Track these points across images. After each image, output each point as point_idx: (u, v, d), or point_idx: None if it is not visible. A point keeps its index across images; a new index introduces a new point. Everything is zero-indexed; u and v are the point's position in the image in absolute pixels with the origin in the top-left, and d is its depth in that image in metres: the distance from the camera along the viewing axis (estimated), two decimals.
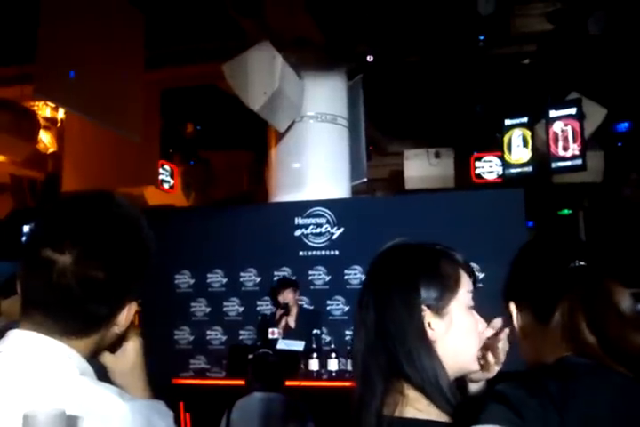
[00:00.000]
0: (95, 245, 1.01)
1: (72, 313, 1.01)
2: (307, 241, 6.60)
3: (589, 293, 1.14)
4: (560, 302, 1.16)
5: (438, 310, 1.17)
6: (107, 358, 1.15)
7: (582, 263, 1.18)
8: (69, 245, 0.99)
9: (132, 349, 1.18)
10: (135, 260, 1.07)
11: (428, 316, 1.16)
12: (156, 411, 1.02)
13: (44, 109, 10.54)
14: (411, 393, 1.13)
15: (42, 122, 10.54)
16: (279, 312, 5.85)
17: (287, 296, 5.88)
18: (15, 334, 1.01)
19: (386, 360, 1.15)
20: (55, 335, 1.00)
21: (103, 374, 1.09)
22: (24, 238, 1.04)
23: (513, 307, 1.24)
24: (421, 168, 11.77)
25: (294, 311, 5.90)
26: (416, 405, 1.12)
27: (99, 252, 1.01)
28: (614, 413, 0.90)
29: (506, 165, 9.38)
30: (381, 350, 1.16)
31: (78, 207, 1.06)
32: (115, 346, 1.15)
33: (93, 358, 1.08)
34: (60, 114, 10.45)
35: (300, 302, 6.09)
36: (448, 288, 1.18)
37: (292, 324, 5.86)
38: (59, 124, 10.78)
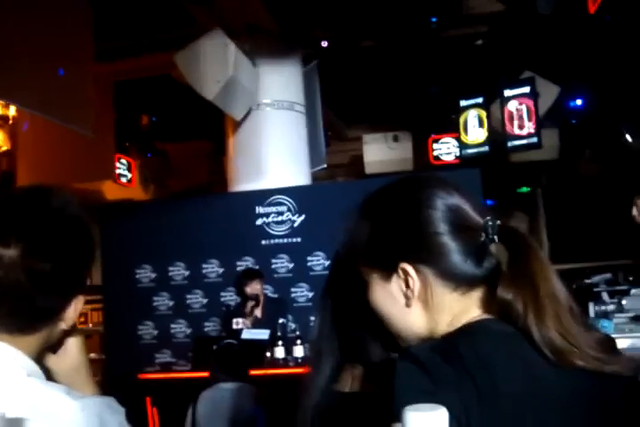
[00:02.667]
0: (40, 238, 1.01)
1: (20, 307, 1.00)
2: (269, 230, 6.58)
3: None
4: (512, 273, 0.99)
5: None
6: (49, 360, 1.13)
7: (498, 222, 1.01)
8: (15, 239, 0.98)
9: (73, 346, 1.16)
10: (80, 251, 1.07)
11: None
12: (107, 407, 1.00)
13: None
14: (359, 372, 1.15)
15: None
16: (249, 304, 5.82)
17: (255, 287, 5.87)
18: None
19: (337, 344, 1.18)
20: (1, 334, 0.98)
21: (49, 378, 1.07)
22: None
23: (411, 270, 1.00)
24: (380, 152, 11.81)
25: (261, 301, 5.89)
26: (364, 381, 1.14)
27: (44, 244, 1.01)
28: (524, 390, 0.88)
29: (463, 145, 9.47)
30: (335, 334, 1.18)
31: (20, 202, 1.05)
32: (56, 345, 1.13)
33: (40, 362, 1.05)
34: (12, 111, 10.23)
35: (264, 291, 6.08)
36: None
37: (259, 314, 5.85)
38: (10, 122, 10.56)
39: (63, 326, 1.07)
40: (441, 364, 0.85)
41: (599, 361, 0.92)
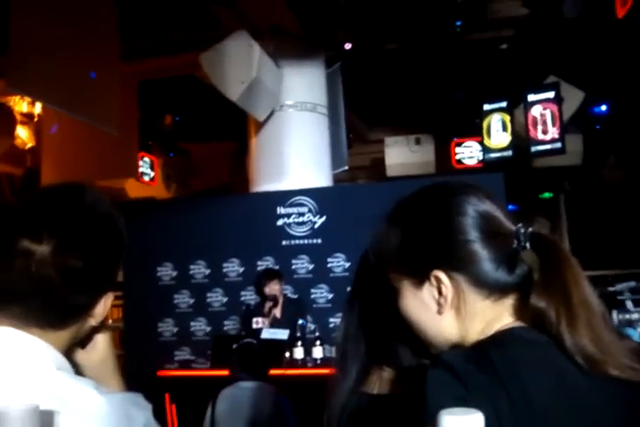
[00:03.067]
0: (72, 235, 1.02)
1: (51, 303, 1.00)
2: (289, 230, 6.59)
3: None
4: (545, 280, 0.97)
5: None
6: (78, 355, 1.15)
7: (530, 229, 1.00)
8: (47, 235, 0.99)
9: (102, 341, 1.18)
10: (111, 248, 1.08)
11: None
12: (133, 403, 1.02)
13: (21, 104, 10.43)
14: (387, 374, 1.16)
15: (18, 117, 10.43)
16: (268, 305, 5.83)
17: (274, 288, 5.87)
18: None
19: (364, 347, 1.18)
20: (32, 328, 1.00)
21: (77, 372, 1.09)
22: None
23: (445, 278, 1.00)
24: (402, 155, 11.78)
25: (280, 302, 5.90)
26: (392, 384, 1.15)
27: (76, 241, 1.02)
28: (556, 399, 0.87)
29: (486, 149, 9.42)
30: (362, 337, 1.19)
31: (53, 199, 1.06)
32: (85, 341, 1.15)
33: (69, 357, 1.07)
34: (38, 109, 10.34)
35: (284, 292, 6.09)
36: None
37: (278, 314, 5.86)
38: (36, 119, 10.68)
39: (92, 322, 1.08)
40: (474, 372, 0.85)
41: (633, 370, 0.91)
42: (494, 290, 0.98)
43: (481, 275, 0.97)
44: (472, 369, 0.85)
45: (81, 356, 1.15)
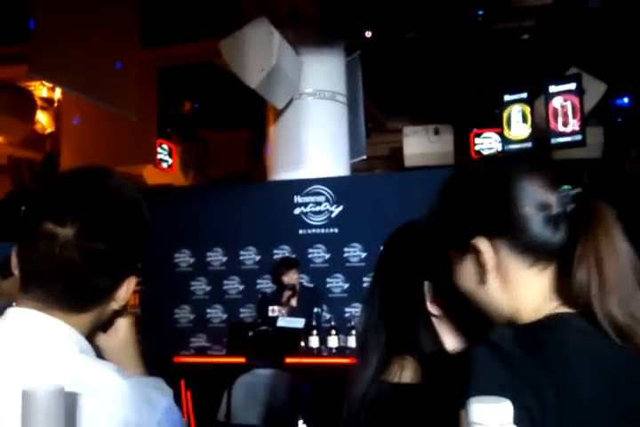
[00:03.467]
0: (96, 219, 1.02)
1: (75, 286, 1.01)
2: (306, 219, 6.60)
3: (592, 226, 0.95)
4: (581, 244, 0.94)
5: None
6: (99, 339, 1.16)
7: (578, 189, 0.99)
8: (71, 218, 1.00)
9: (123, 326, 1.18)
10: (134, 233, 1.08)
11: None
12: (154, 388, 1.02)
13: (41, 90, 10.50)
14: (409, 363, 1.15)
15: (39, 102, 10.50)
16: (286, 294, 5.84)
17: (292, 277, 5.89)
18: (14, 313, 1.01)
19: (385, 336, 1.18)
20: (55, 311, 1.00)
21: (99, 355, 1.09)
22: (23, 213, 1.04)
23: (485, 244, 0.99)
24: (421, 145, 11.74)
25: (297, 291, 5.92)
26: (414, 373, 1.15)
27: (100, 225, 1.02)
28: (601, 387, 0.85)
29: (505, 140, 9.35)
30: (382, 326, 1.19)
31: (77, 182, 1.06)
32: (106, 324, 1.15)
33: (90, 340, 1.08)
34: (57, 94, 10.40)
35: (300, 281, 6.10)
36: None
37: (294, 303, 5.88)
38: (56, 105, 10.74)
39: (115, 305, 1.08)
40: (522, 356, 0.83)
41: None
42: (539, 257, 0.96)
43: (524, 241, 0.96)
44: (520, 353, 0.84)
45: (102, 339, 1.16)
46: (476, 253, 0.98)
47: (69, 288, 1.01)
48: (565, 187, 0.97)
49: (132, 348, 1.20)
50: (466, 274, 1.02)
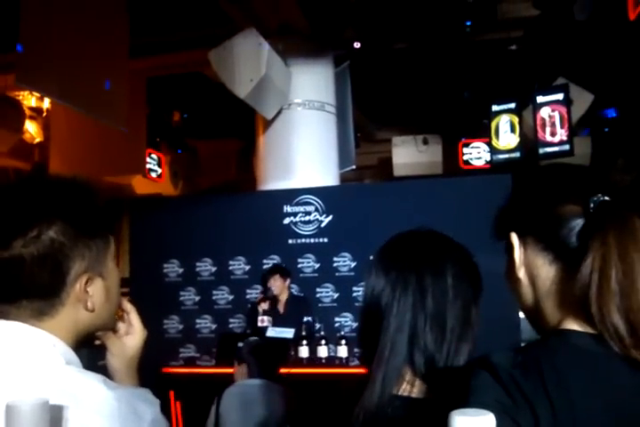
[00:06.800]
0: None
1: (30, 287, 1.00)
2: (295, 229, 6.59)
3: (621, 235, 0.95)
4: (592, 245, 0.95)
5: None
6: (109, 340, 1.20)
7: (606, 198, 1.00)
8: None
9: (139, 338, 1.23)
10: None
11: None
12: (141, 399, 1.02)
13: (30, 99, 10.46)
14: (419, 377, 1.17)
15: (27, 112, 10.46)
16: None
17: (275, 283, 5.88)
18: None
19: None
20: (29, 319, 1.00)
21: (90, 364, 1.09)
22: None
23: (515, 239, 1.06)
24: (409, 155, 11.77)
25: (284, 297, 5.91)
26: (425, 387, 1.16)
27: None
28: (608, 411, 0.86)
29: (493, 150, 9.39)
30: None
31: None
32: (114, 326, 1.20)
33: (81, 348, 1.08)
34: (46, 104, 10.37)
35: (290, 290, 6.09)
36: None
37: (282, 310, 5.86)
38: (44, 114, 10.71)
39: (82, 307, 1.05)
40: (519, 378, 0.86)
41: None
42: (560, 255, 1.00)
43: (549, 236, 1.01)
44: (518, 375, 0.86)
45: (112, 341, 1.21)
46: (512, 245, 1.06)
47: (28, 290, 1.00)
48: (595, 195, 1.00)
49: (135, 365, 1.23)
50: (509, 267, 1.08)
